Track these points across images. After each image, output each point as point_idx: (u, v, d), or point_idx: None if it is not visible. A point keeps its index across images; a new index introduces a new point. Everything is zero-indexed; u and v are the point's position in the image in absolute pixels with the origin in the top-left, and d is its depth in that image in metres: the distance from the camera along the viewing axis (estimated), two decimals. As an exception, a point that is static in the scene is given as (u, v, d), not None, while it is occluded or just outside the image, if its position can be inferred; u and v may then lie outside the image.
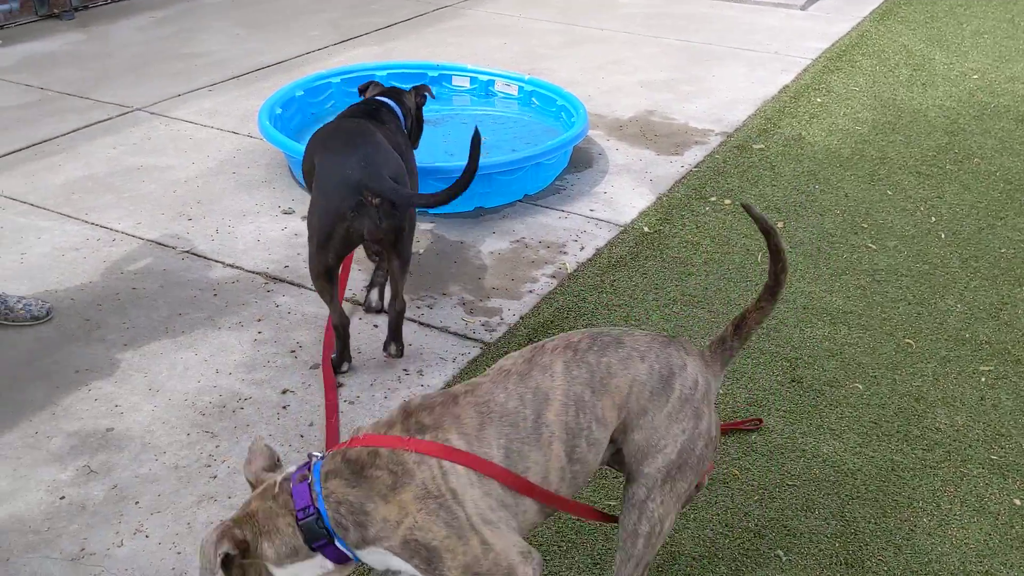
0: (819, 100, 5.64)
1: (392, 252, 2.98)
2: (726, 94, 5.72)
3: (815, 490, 2.66)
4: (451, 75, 5.45)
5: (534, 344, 1.97)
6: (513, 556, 1.75)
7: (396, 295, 3.08)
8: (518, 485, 1.78)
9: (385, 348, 3.18)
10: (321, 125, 3.33)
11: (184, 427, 2.83)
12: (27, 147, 4.74)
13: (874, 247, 4.00)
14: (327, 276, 2.94)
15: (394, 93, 3.62)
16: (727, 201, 4.35)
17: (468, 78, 5.43)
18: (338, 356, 3.09)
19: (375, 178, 2.81)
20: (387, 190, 2.81)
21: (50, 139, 4.84)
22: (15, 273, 3.59)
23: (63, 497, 2.54)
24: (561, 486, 1.85)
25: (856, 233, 4.11)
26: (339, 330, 3.05)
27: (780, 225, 4.15)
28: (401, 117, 3.52)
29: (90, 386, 2.99)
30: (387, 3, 7.56)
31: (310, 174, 3.11)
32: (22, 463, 2.66)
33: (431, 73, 5.42)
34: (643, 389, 1.91)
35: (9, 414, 2.85)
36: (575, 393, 1.86)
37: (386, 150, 3.00)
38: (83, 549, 2.37)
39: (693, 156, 4.83)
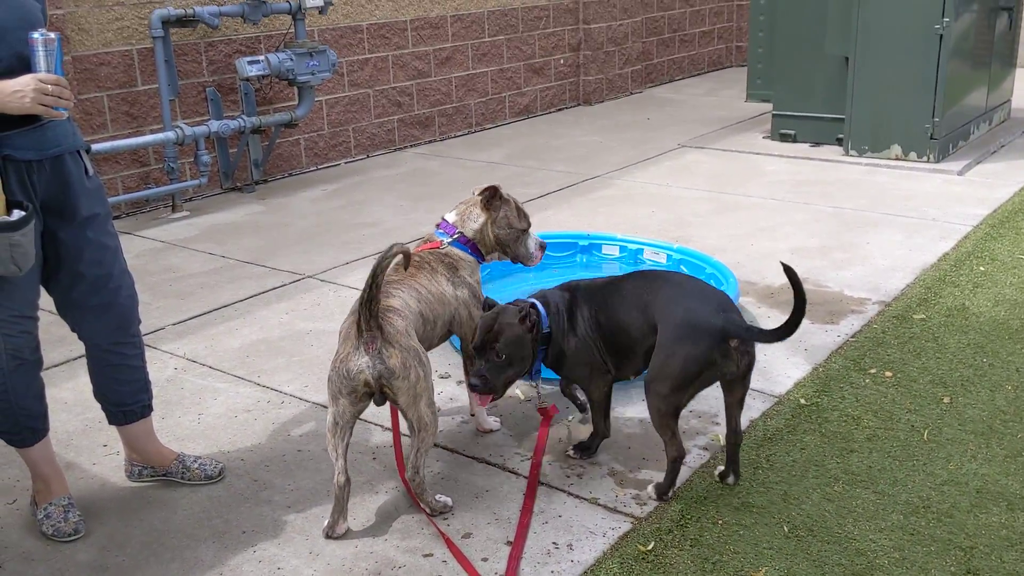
0: (982, 268, 5.46)
1: (740, 385, 3.29)
2: (882, 261, 5.63)
3: None
4: (601, 244, 5.61)
5: None
6: None
7: (735, 428, 3.36)
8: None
9: (723, 479, 3.41)
10: (605, 290, 3.47)
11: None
12: (209, 312, 5.13)
13: (1053, 426, 3.76)
14: (675, 415, 3.24)
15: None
16: (888, 373, 4.22)
17: (618, 247, 5.57)
18: (665, 488, 3.35)
19: (734, 323, 3.18)
20: (747, 332, 3.18)
21: (229, 304, 5.23)
22: (192, 433, 3.83)
23: (226, 660, 2.61)
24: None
25: (1032, 410, 3.88)
26: (676, 463, 3.29)
27: (947, 400, 3.97)
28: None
29: (255, 547, 3.11)
30: (539, 175, 7.92)
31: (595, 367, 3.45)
32: (190, 623, 2.77)
33: (582, 242, 5.61)
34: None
35: (182, 572, 2.98)
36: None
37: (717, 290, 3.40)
38: None
39: (849, 325, 4.73)
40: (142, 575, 2.97)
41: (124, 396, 3.35)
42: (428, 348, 3.34)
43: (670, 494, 3.31)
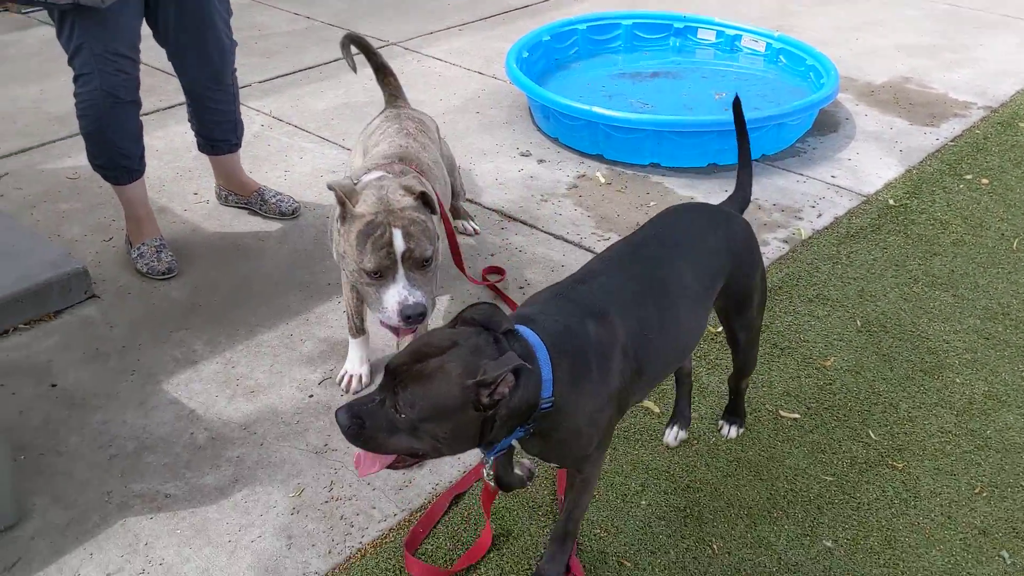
0: (1104, 78, 5.11)
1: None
2: (993, 65, 5.29)
3: (1054, 496, 2.50)
4: (697, 28, 5.36)
5: None
6: None
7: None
8: None
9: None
10: None
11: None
12: (294, 72, 5.11)
13: None
14: None
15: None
16: (984, 180, 4.07)
17: (715, 31, 5.32)
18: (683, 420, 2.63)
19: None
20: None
21: (315, 66, 5.19)
22: (278, 187, 3.92)
23: (312, 396, 2.79)
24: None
25: None
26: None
27: (1043, 211, 3.84)
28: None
29: (339, 298, 3.24)
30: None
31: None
32: (278, 361, 2.94)
33: (677, 24, 5.36)
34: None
35: (270, 316, 3.14)
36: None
37: None
38: (327, 444, 2.60)
39: (950, 129, 4.53)
40: (232, 315, 3.13)
41: (214, 132, 3.54)
42: None
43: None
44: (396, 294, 2.28)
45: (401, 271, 2.29)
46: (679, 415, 2.66)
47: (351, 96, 4.83)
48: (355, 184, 2.45)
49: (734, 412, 2.69)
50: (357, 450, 1.79)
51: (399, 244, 2.28)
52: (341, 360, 2.92)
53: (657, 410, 2.75)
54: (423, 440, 1.71)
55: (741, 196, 2.48)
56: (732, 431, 2.69)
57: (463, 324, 1.77)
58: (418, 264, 2.30)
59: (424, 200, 2.41)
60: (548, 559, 2.19)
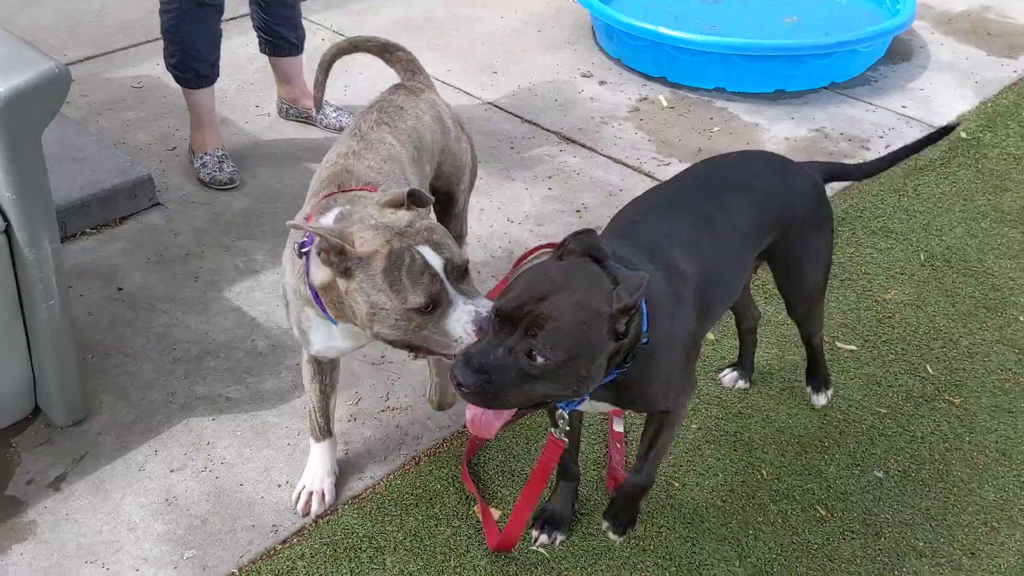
0: None
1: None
2: (1082, -6, 5.05)
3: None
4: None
5: None
6: None
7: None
8: None
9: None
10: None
11: (477, 267, 3.03)
12: (355, -13, 5.05)
13: None
14: None
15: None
16: (1063, 115, 3.92)
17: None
18: None
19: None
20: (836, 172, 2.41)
21: (375, -19, 5.13)
22: (338, 102, 3.91)
23: (368, 309, 2.83)
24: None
25: None
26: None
27: (1123, 149, 3.70)
28: None
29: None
30: None
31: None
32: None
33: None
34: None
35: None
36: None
37: None
38: (383, 356, 2.65)
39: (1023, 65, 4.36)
40: (292, 227, 3.17)
41: (279, 30, 3.56)
42: None
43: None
44: (464, 315, 1.76)
45: (452, 290, 1.78)
46: (742, 364, 2.59)
47: (411, 12, 4.77)
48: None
49: (814, 374, 2.51)
50: (468, 407, 1.62)
51: (436, 261, 1.77)
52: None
53: (712, 337, 2.74)
54: (565, 383, 1.59)
55: (839, 169, 2.38)
56: (819, 399, 2.51)
57: (567, 254, 1.67)
58: (461, 273, 1.82)
59: (415, 200, 1.86)
60: (619, 507, 2.11)
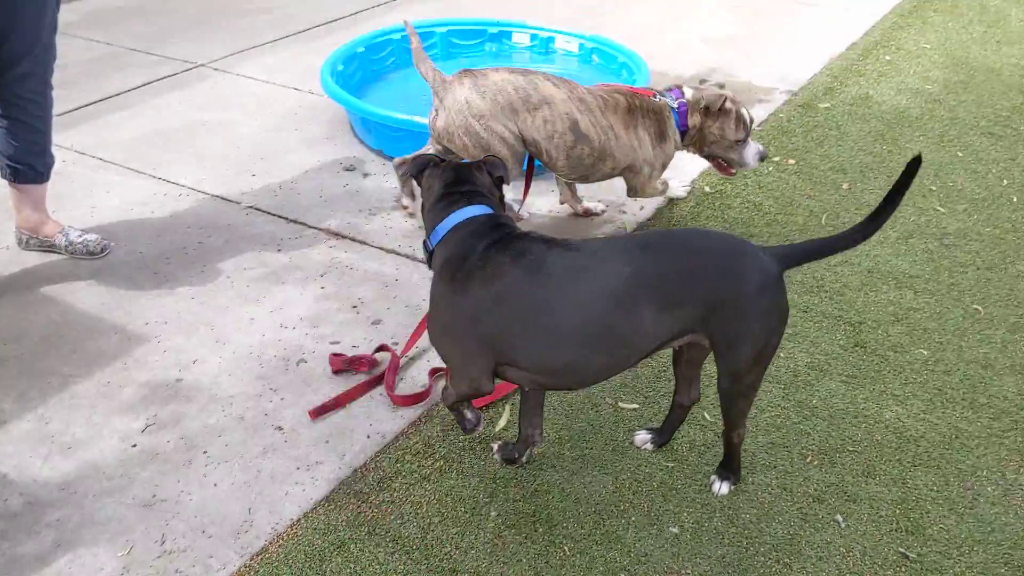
0: (888, 58, 5.48)
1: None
2: (791, 51, 5.59)
3: (876, 456, 2.64)
4: (511, 32, 5.41)
5: None
6: None
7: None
8: None
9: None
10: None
11: (250, 380, 2.89)
12: (96, 102, 4.83)
13: (943, 210, 3.91)
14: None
15: (476, 192, 2.35)
16: (791, 161, 4.28)
17: (528, 35, 5.38)
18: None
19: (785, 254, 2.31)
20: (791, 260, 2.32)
21: (118, 94, 4.92)
22: (86, 226, 3.68)
23: (135, 445, 2.62)
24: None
25: (924, 196, 4.02)
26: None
27: (845, 186, 4.07)
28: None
29: (160, 338, 3.07)
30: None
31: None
32: (96, 411, 2.75)
33: (491, 29, 5.39)
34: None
35: (84, 363, 2.94)
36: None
37: None
38: (155, 495, 2.45)
39: (756, 115, 4.74)
40: (43, 367, 2.91)
41: (23, 156, 3.32)
42: (582, 176, 3.47)
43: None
44: (755, 148, 3.47)
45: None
46: (660, 432, 2.63)
47: (161, 122, 4.60)
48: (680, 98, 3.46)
49: (726, 466, 2.51)
50: None
51: (747, 117, 3.46)
52: (165, 404, 2.77)
53: (503, 423, 2.74)
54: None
55: (802, 249, 2.21)
56: (722, 487, 2.50)
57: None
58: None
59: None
60: None
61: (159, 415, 2.74)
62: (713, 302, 2.11)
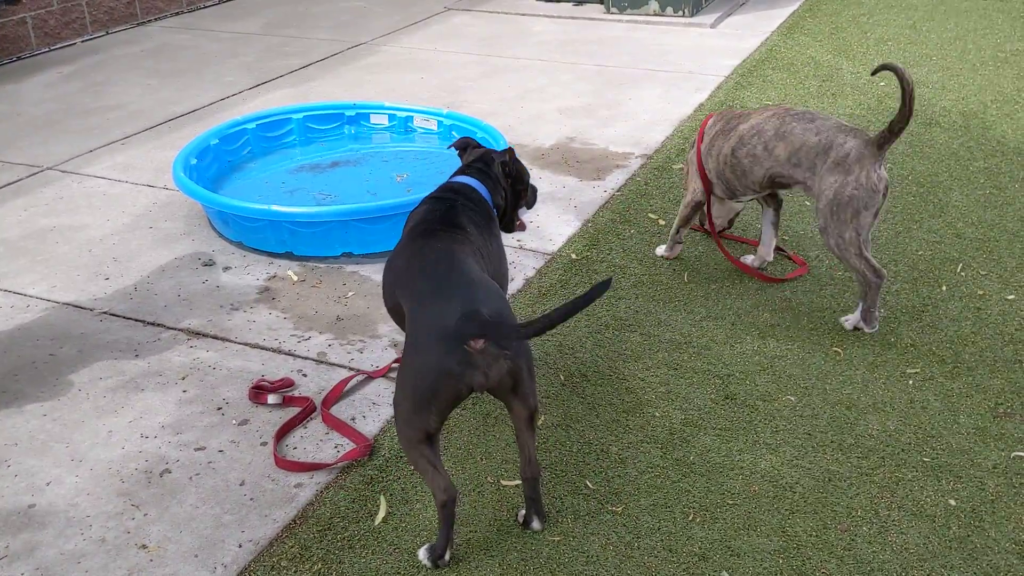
0: (734, 116, 5.74)
1: (513, 400, 2.47)
2: (643, 116, 5.79)
3: (755, 507, 2.67)
4: (368, 114, 5.42)
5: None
6: None
7: (529, 459, 2.55)
8: None
9: (526, 524, 2.60)
10: (398, 245, 2.81)
11: (110, 497, 2.73)
12: (-68, 215, 4.57)
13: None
14: (428, 442, 2.40)
15: (480, 169, 3.14)
16: (655, 218, 4.39)
17: (386, 115, 5.41)
18: (441, 545, 2.47)
19: (472, 318, 2.33)
20: (490, 329, 2.33)
21: (-44, 205, 4.67)
22: (-77, 348, 3.44)
23: (-17, 583, 2.42)
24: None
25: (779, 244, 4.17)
26: (448, 507, 2.43)
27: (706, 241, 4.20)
28: (488, 198, 3.04)
29: (10, 461, 2.87)
30: (302, 44, 7.51)
31: (396, 313, 2.78)
32: (-63, 550, 2.53)
33: (348, 112, 5.39)
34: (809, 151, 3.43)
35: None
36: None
37: (480, 281, 2.51)
38: (6, 637, 2.26)
39: (615, 180, 4.87)
40: None
41: None
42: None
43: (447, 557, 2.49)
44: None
45: None
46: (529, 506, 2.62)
47: (3, 232, 4.38)
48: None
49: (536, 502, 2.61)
50: None
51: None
52: (17, 533, 2.56)
53: (382, 515, 2.65)
54: None
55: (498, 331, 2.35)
56: (536, 524, 2.59)
57: None
58: None
59: None
60: None
61: (11, 546, 2.54)
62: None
